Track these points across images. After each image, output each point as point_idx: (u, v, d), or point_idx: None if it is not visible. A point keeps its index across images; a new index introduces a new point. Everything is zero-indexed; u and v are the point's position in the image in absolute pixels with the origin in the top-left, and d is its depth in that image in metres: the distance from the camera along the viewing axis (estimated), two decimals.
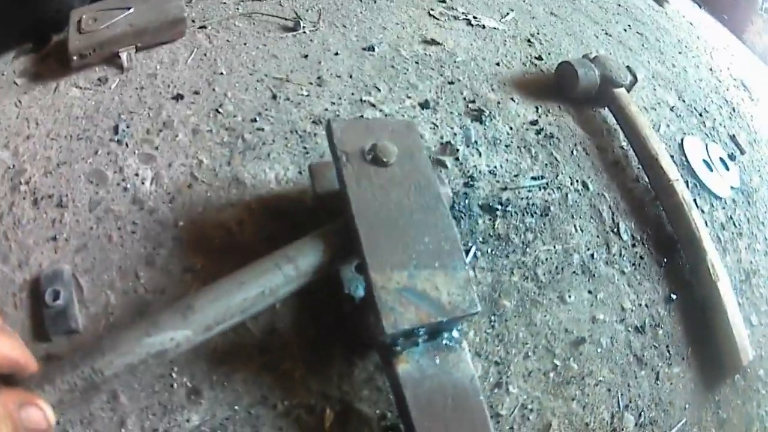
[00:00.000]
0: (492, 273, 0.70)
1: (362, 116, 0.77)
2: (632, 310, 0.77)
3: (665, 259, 0.83)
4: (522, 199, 0.77)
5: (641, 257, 0.81)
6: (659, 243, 0.84)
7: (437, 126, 0.81)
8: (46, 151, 0.72)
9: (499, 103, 0.85)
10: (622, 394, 0.72)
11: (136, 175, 0.69)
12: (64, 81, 0.79)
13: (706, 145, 1.02)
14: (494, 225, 0.73)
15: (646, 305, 0.78)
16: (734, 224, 0.96)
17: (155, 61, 0.80)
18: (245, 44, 0.81)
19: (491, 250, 0.72)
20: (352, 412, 0.60)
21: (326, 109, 0.78)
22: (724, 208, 0.97)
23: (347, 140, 0.53)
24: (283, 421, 0.59)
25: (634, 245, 0.81)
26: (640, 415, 0.73)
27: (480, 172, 0.79)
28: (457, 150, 0.78)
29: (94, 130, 0.74)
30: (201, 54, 0.80)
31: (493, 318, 0.68)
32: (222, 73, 0.78)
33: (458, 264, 0.48)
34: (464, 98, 0.83)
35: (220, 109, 0.74)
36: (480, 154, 0.79)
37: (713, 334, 0.82)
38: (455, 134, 0.80)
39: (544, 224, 0.76)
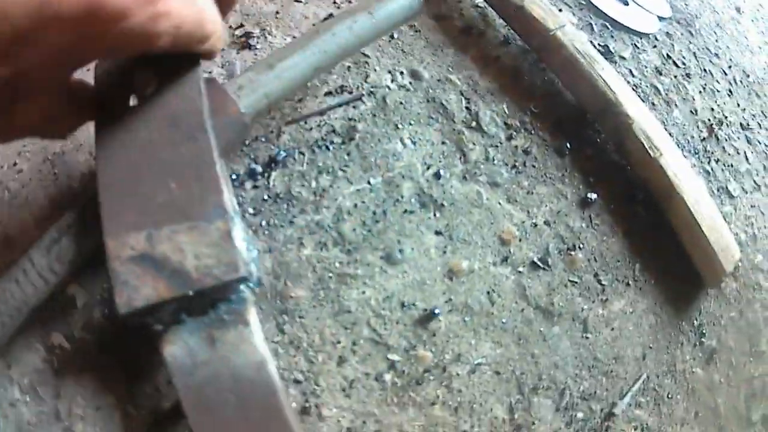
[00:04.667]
0: (272, 254, 0.45)
1: None
2: (520, 239, 0.50)
3: (568, 144, 0.56)
4: (309, 130, 0.50)
5: (525, 151, 0.54)
6: (555, 122, 0.56)
7: None
8: None
9: (277, 13, 0.57)
10: (522, 373, 0.47)
11: None
12: None
13: None
14: (268, 184, 0.48)
15: (547, 222, 0.52)
16: (675, 64, 0.67)
17: None
18: None
19: (267, 222, 0.46)
20: None
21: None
22: (655, 47, 0.67)
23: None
24: None
25: (510, 137, 0.54)
26: (562, 393, 0.48)
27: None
28: None
29: None
30: None
31: (281, 320, 0.44)
32: None
33: (212, 213, 0.36)
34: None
35: None
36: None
37: (673, 235, 0.56)
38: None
39: (347, 155, 0.50)
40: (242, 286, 0.35)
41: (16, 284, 0.45)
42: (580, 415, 0.49)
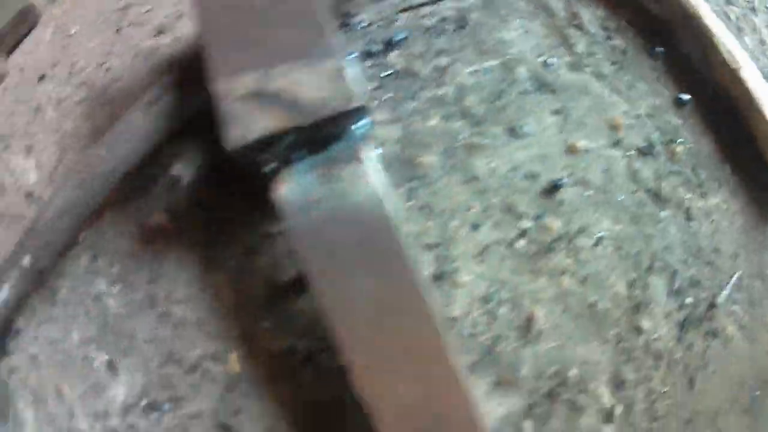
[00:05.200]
0: (396, 125, 0.45)
1: None
2: (629, 126, 0.51)
3: (661, 49, 0.57)
4: (422, 17, 0.50)
5: (623, 51, 0.55)
6: (645, 30, 0.57)
7: None
8: None
9: None
10: (639, 251, 0.47)
11: (24, 170, 0.60)
12: None
13: None
14: (388, 62, 0.47)
15: (648, 115, 0.53)
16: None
17: (24, 55, 0.69)
18: None
19: (391, 95, 0.46)
20: (257, 348, 0.47)
21: (166, 16, 0.62)
22: None
23: None
24: (194, 375, 0.49)
25: (609, 37, 0.55)
26: (673, 276, 0.48)
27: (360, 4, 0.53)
28: None
29: None
30: (56, 26, 0.68)
31: (410, 186, 0.43)
32: (72, 33, 0.66)
33: (326, 52, 0.36)
34: None
35: (73, 69, 0.64)
36: None
37: (755, 141, 0.56)
38: None
39: (461, 41, 0.50)
40: (355, 125, 0.35)
41: (117, 141, 0.44)
42: (688, 300, 0.50)
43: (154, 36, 0.61)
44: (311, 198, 0.34)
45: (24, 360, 0.60)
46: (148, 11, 0.64)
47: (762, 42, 0.68)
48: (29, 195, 0.60)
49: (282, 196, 0.34)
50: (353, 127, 0.35)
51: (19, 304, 0.56)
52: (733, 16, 0.68)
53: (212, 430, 0.48)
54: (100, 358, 0.54)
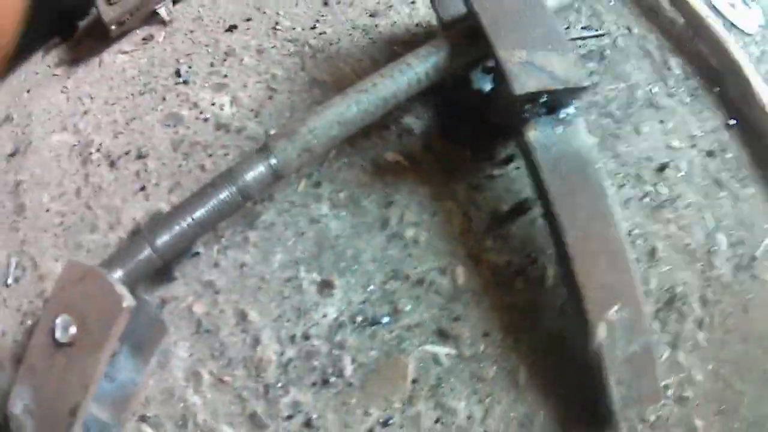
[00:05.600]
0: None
1: None
2: (700, 136, 0.79)
3: (717, 88, 0.84)
4: (578, 47, 0.77)
5: (695, 88, 0.83)
6: (707, 75, 0.85)
7: None
8: (110, 116, 0.74)
9: None
10: (711, 215, 0.74)
11: (213, 104, 0.72)
12: (107, 53, 0.80)
13: None
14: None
15: (711, 131, 0.80)
16: None
17: (195, 6, 0.80)
18: None
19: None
20: (480, 263, 0.60)
21: (378, 2, 0.79)
22: (756, 43, 0.98)
23: None
24: (418, 289, 0.60)
25: (686, 78, 0.83)
26: (730, 234, 0.75)
27: None
28: None
29: (155, 82, 0.78)
30: None
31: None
32: None
33: (567, 47, 0.58)
34: None
35: (277, 27, 0.77)
36: None
37: None
38: None
39: (604, 66, 0.76)
40: (577, 99, 0.59)
41: (391, 79, 0.59)
42: (740, 251, 0.76)
43: (369, 16, 0.78)
44: (550, 140, 0.58)
45: (192, 287, 0.62)
46: None
47: None
48: (221, 126, 0.71)
49: (531, 136, 0.58)
50: (576, 99, 0.60)
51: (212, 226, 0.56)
52: (760, 71, 0.97)
53: (431, 337, 0.60)
54: (311, 278, 0.61)
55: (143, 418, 0.56)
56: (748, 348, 0.71)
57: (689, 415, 0.65)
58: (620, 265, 0.58)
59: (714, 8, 0.99)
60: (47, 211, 0.71)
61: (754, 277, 0.75)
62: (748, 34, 0.99)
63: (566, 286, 0.61)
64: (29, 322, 0.63)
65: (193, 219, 0.55)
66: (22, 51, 0.81)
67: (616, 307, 0.57)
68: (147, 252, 0.54)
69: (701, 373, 0.67)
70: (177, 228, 0.55)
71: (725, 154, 0.81)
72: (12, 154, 0.76)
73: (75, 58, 0.83)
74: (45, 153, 0.75)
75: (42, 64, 0.83)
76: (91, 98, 0.78)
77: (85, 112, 0.77)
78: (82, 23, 0.85)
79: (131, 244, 0.56)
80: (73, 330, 0.48)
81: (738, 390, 0.69)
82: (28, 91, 0.80)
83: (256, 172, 0.56)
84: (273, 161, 0.56)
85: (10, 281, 0.66)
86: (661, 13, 0.90)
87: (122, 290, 0.49)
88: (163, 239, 0.54)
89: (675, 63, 0.84)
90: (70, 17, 0.86)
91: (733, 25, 0.99)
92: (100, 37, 0.81)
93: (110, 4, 0.79)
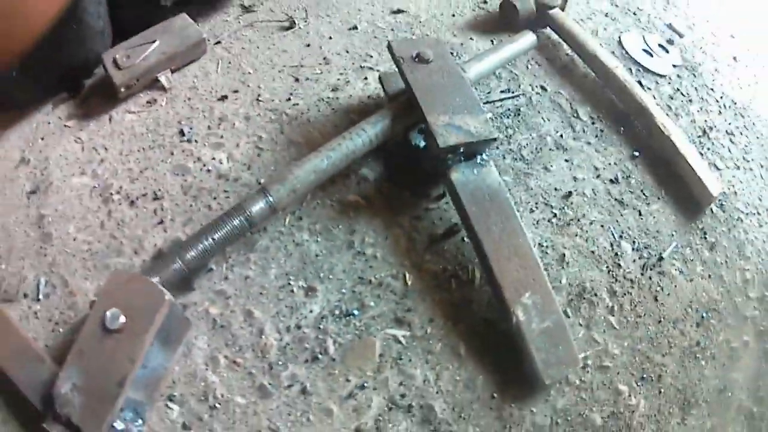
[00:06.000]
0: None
1: (366, 75, 1.03)
2: (604, 168, 0.99)
3: (622, 128, 1.06)
4: (498, 107, 1.00)
5: (601, 130, 1.04)
6: (615, 118, 1.07)
7: None
8: (125, 165, 0.90)
9: (462, 44, 1.09)
10: (614, 228, 0.94)
11: (213, 159, 0.90)
12: (115, 111, 0.94)
13: (644, 37, 1.24)
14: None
15: (615, 163, 1.01)
16: (682, 94, 1.18)
17: (190, 77, 0.97)
18: (258, 47, 1.05)
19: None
20: (422, 270, 0.84)
21: (338, 79, 1.01)
22: (669, 83, 1.19)
23: (402, 51, 0.88)
24: (378, 290, 0.82)
25: (593, 122, 1.04)
26: (634, 242, 0.94)
27: None
28: None
29: (162, 139, 0.92)
30: (226, 63, 1.01)
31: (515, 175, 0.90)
32: (249, 73, 1.00)
33: (479, 111, 0.82)
34: None
35: (260, 98, 0.96)
36: None
37: (680, 176, 1.02)
38: None
39: (518, 121, 0.99)
40: (489, 147, 0.81)
41: (350, 140, 0.82)
42: (645, 254, 0.94)
43: (332, 91, 0.98)
44: (468, 180, 0.80)
45: (207, 295, 0.76)
46: (320, 72, 0.98)
47: (693, 121, 1.15)
48: (221, 176, 0.86)
49: (454, 177, 0.80)
50: (488, 148, 0.81)
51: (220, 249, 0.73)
52: (672, 107, 1.16)
53: (391, 323, 0.81)
54: (299, 285, 0.79)
55: (170, 398, 0.73)
56: (662, 329, 0.88)
57: (612, 381, 0.83)
58: (529, 263, 0.78)
59: (630, 57, 1.20)
60: (74, 240, 0.80)
61: (662, 273, 0.93)
62: (662, 76, 1.19)
63: (489, 284, 0.80)
64: (61, 330, 0.75)
65: (212, 240, 0.75)
66: (30, 101, 0.90)
67: (528, 294, 0.77)
68: (177, 264, 0.73)
69: (618, 348, 0.84)
70: (200, 246, 0.75)
71: (629, 179, 1.00)
72: (33, 192, 0.85)
73: (85, 114, 0.92)
74: (66, 192, 0.84)
75: (52, 115, 0.92)
76: (106, 149, 0.88)
77: (102, 161, 0.87)
78: (89, 82, 0.95)
79: (164, 258, 0.74)
80: (122, 319, 0.62)
81: (658, 363, 0.85)
82: (42, 138, 0.89)
83: (258, 206, 0.76)
84: (270, 199, 0.78)
85: (41, 297, 0.76)
86: (575, 69, 1.12)
87: (163, 288, 0.64)
88: (190, 254, 0.74)
89: (583, 111, 1.05)
90: (75, 75, 0.94)
91: (646, 70, 1.19)
92: (107, 96, 0.92)
93: (119, 69, 0.89)
